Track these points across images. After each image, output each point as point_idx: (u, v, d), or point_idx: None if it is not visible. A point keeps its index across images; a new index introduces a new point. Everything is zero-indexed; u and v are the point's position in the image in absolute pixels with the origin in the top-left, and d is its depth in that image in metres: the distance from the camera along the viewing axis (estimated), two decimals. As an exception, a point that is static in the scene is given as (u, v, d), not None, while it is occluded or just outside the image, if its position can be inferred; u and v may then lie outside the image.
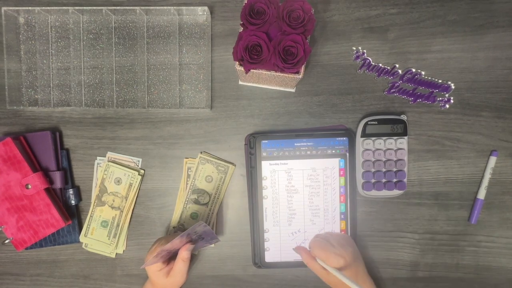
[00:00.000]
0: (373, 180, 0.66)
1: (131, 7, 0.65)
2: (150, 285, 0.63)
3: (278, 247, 0.66)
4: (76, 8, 0.66)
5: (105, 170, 0.67)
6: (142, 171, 0.68)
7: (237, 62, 0.57)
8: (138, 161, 0.68)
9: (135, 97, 0.68)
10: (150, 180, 0.69)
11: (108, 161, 0.68)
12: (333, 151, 0.66)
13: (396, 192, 0.66)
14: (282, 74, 0.57)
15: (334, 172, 0.66)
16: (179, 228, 0.68)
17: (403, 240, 0.68)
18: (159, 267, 0.59)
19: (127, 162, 0.69)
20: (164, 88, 0.68)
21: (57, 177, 0.66)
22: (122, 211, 0.67)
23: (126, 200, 0.67)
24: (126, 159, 0.69)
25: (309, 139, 0.65)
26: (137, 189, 0.68)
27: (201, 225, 0.55)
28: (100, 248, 0.68)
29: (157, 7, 0.65)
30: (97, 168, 0.69)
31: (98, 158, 0.69)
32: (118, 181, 0.67)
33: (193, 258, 0.69)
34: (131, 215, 0.69)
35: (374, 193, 0.66)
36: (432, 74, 0.67)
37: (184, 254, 0.58)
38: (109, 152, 0.69)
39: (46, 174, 0.65)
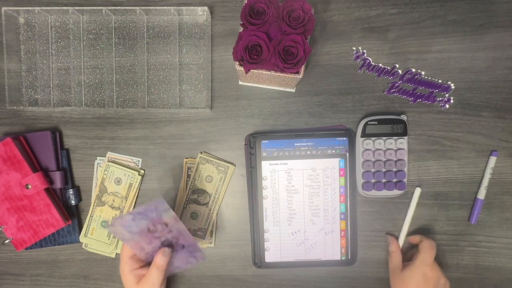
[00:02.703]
0: (373, 180, 0.66)
1: (131, 7, 0.65)
2: None
3: (278, 247, 0.66)
4: (76, 8, 0.66)
5: (105, 170, 0.67)
6: (142, 171, 0.68)
7: (237, 62, 0.57)
8: (138, 161, 0.68)
9: (135, 97, 0.68)
10: (150, 180, 0.69)
11: (108, 161, 0.68)
12: (333, 151, 0.66)
13: (396, 192, 0.66)
14: (282, 74, 0.57)
15: (334, 172, 0.66)
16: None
17: (403, 240, 0.68)
18: (133, 265, 0.54)
19: (127, 162, 0.69)
20: (164, 88, 0.68)
21: (57, 177, 0.66)
22: (122, 211, 0.67)
23: (126, 200, 0.67)
24: (126, 159, 0.69)
25: (309, 139, 0.65)
26: (137, 189, 0.68)
27: (162, 204, 0.49)
28: (100, 248, 0.68)
29: (157, 7, 0.65)
30: (97, 168, 0.69)
31: (98, 158, 0.69)
32: (118, 181, 0.67)
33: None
34: (131, 215, 0.69)
35: (374, 193, 0.66)
36: (432, 74, 0.67)
37: (158, 261, 0.51)
38: (109, 152, 0.69)
39: (46, 174, 0.65)
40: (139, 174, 0.67)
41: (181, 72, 0.68)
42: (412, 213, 0.66)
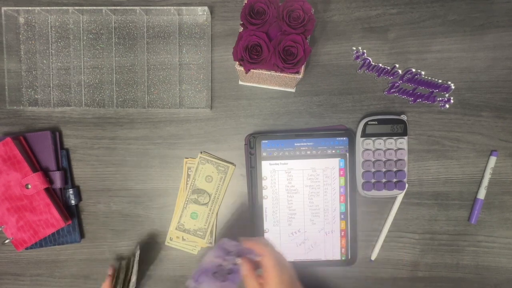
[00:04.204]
0: (373, 180, 0.66)
1: (131, 7, 0.65)
2: None
3: (278, 247, 0.66)
4: (76, 8, 0.66)
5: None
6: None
7: (237, 62, 0.57)
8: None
9: (135, 97, 0.68)
10: (150, 180, 0.69)
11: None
12: (333, 151, 0.66)
13: (396, 192, 0.66)
14: (282, 74, 0.57)
15: (334, 172, 0.66)
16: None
17: (403, 240, 0.68)
18: None
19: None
20: (164, 88, 0.68)
21: (57, 177, 0.66)
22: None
23: None
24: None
25: (309, 139, 0.65)
26: None
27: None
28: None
29: (157, 7, 0.65)
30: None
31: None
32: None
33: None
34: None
35: (374, 193, 0.66)
36: (432, 74, 0.67)
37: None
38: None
39: (46, 174, 0.65)
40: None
41: (181, 72, 0.68)
42: (393, 216, 0.67)
